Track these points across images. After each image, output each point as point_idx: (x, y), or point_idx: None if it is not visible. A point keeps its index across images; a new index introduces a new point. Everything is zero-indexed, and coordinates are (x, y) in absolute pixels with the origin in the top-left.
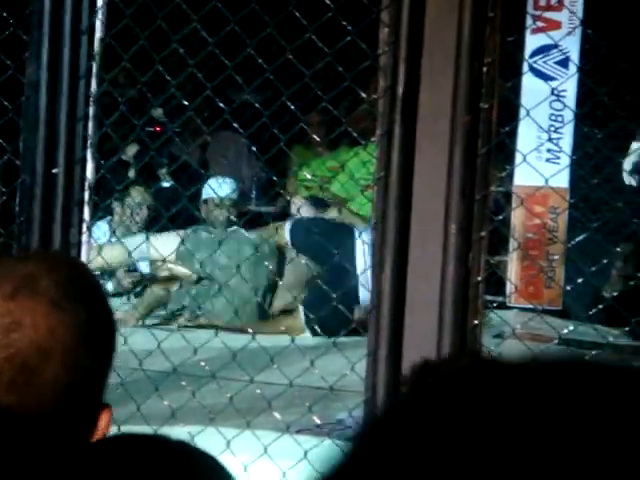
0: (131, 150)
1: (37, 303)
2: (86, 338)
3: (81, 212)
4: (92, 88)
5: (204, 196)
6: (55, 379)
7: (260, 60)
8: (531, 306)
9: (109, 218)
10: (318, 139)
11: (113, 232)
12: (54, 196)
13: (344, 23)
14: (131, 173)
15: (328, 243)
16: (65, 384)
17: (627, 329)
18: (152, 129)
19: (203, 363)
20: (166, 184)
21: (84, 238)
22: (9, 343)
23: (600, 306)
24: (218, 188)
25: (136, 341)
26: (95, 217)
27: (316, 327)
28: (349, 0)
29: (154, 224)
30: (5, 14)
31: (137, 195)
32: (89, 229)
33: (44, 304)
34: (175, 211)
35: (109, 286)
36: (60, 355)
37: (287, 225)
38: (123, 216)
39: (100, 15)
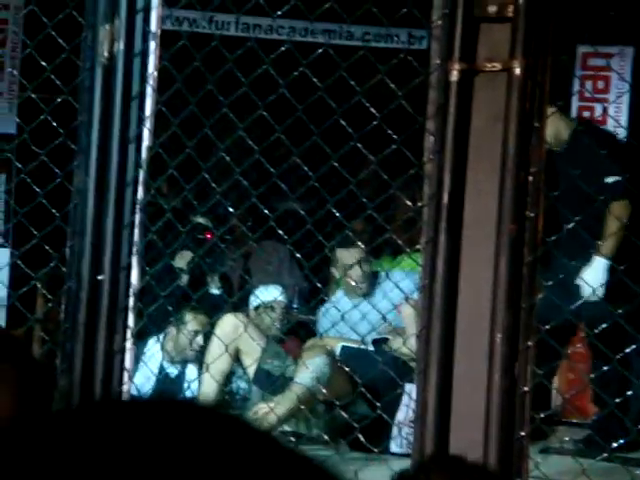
0: (182, 258)
1: None
2: (22, 392)
3: (126, 319)
4: (139, 195)
5: (253, 304)
6: None
7: (305, 168)
8: (577, 420)
9: (161, 338)
10: (362, 246)
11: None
12: (99, 302)
13: (390, 132)
14: (180, 280)
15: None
16: None
17: None
18: (202, 237)
19: None
20: (216, 291)
21: (128, 345)
22: None
23: None
24: (267, 294)
25: None
26: (147, 335)
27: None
28: (395, 108)
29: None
30: (55, 123)
31: (193, 322)
32: (133, 336)
33: None
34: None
35: None
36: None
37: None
38: (177, 342)
39: (148, 124)
